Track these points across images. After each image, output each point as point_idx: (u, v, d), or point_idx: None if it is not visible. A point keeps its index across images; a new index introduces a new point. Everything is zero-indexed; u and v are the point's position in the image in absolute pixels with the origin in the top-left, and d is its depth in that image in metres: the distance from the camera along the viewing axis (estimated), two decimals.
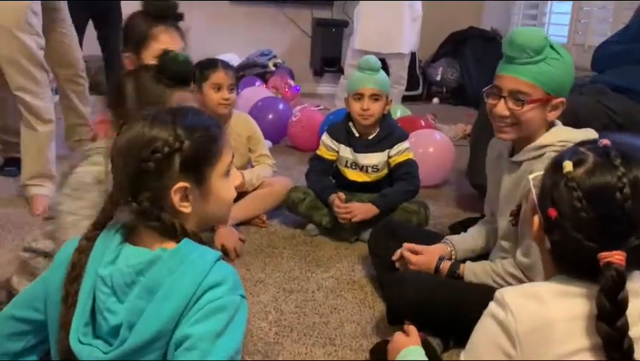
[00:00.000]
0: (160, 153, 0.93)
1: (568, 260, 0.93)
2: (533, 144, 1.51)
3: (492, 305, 0.95)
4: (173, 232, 0.95)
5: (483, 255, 1.77)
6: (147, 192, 0.94)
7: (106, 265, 0.93)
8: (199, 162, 0.97)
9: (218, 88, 2.36)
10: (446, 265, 1.68)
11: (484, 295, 1.51)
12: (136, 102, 1.36)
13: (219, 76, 2.36)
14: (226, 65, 2.44)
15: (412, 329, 1.35)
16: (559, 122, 1.55)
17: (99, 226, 0.99)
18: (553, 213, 0.91)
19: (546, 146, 1.48)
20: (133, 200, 0.94)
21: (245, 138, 2.53)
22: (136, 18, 1.84)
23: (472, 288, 1.60)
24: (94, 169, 1.40)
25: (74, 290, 0.94)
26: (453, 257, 1.76)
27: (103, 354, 0.90)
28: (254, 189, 2.46)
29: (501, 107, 1.50)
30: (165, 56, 1.35)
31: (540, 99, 1.47)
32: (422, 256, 1.71)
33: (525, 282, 1.51)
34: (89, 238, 0.98)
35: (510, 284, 1.53)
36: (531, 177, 1.04)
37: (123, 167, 0.95)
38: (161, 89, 1.35)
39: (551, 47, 1.46)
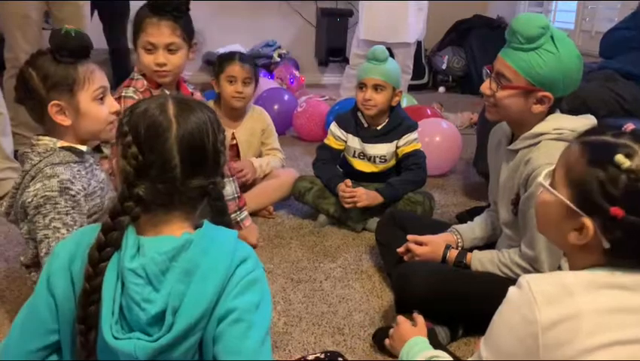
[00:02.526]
0: (221, 133, 0.99)
1: (630, 253, 0.89)
2: (529, 132, 1.50)
3: (514, 293, 0.91)
4: (224, 209, 1.01)
5: (490, 243, 1.76)
6: (222, 168, 0.99)
7: (131, 259, 0.92)
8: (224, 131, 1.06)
9: (233, 81, 2.39)
10: (452, 254, 1.67)
11: (492, 285, 1.53)
12: (45, 89, 1.37)
13: (234, 69, 2.40)
14: (244, 59, 2.46)
15: (419, 318, 1.35)
16: (557, 110, 1.53)
17: (114, 244, 0.94)
18: (618, 212, 0.86)
19: (541, 134, 1.47)
20: (212, 180, 0.97)
21: (260, 131, 2.55)
22: (140, 10, 1.89)
23: (480, 278, 1.60)
24: (53, 182, 1.35)
25: (98, 284, 0.92)
26: (460, 246, 1.75)
27: (150, 343, 0.90)
28: (263, 178, 2.47)
29: (485, 85, 1.54)
30: (56, 33, 1.38)
31: (518, 87, 1.46)
32: (427, 248, 1.71)
33: (532, 272, 1.50)
34: (117, 228, 0.94)
35: (516, 274, 1.52)
36: (541, 177, 0.99)
37: (201, 151, 0.95)
38: (64, 68, 1.37)
39: (552, 39, 1.42)
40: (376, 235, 2.02)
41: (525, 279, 0.90)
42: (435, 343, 1.45)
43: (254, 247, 2.16)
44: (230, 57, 2.44)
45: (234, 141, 2.49)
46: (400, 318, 1.35)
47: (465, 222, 1.87)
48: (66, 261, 0.97)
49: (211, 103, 2.48)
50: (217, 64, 2.46)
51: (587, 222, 0.89)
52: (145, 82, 1.91)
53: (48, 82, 1.37)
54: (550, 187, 0.95)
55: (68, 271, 0.96)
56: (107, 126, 1.47)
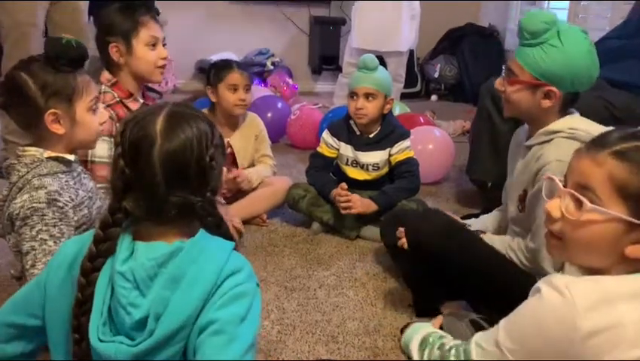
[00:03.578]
0: (214, 148, 0.97)
1: None
2: (543, 129, 1.53)
3: (550, 293, 0.87)
4: (218, 223, 0.99)
5: None
6: (211, 185, 0.97)
7: (122, 262, 0.93)
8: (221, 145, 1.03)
9: (234, 89, 2.40)
10: None
11: (499, 256, 1.59)
12: (43, 97, 1.37)
13: (235, 77, 2.40)
14: (240, 66, 2.49)
15: (437, 319, 1.36)
16: (576, 113, 1.56)
17: (110, 234, 0.96)
18: None
19: (556, 132, 1.51)
20: (199, 197, 0.95)
21: (253, 137, 2.55)
22: (114, 10, 1.88)
23: (490, 245, 1.63)
24: (41, 194, 1.33)
25: (90, 294, 0.94)
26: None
27: (131, 347, 0.91)
28: (254, 189, 2.46)
29: (498, 82, 1.59)
30: (56, 42, 1.38)
31: (523, 81, 1.50)
32: None
33: (533, 263, 1.53)
34: (108, 238, 0.95)
35: (519, 259, 1.57)
36: (588, 204, 0.91)
37: (185, 169, 0.94)
38: (64, 77, 1.38)
39: (558, 33, 1.46)
40: (382, 239, 2.02)
41: (564, 283, 0.87)
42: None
43: (239, 233, 2.19)
44: (227, 65, 2.45)
45: (229, 150, 2.49)
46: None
47: None
48: (67, 260, 0.98)
49: (204, 111, 2.48)
50: (212, 73, 2.44)
51: None
52: (115, 93, 1.87)
53: (47, 90, 1.36)
54: (602, 208, 0.90)
55: (69, 271, 0.97)
56: (97, 136, 1.51)
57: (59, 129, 1.40)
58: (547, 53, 1.46)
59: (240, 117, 2.52)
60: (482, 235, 1.69)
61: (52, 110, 1.37)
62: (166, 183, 0.93)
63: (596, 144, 0.94)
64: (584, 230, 0.91)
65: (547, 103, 1.51)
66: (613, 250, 0.90)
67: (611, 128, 1.28)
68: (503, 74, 1.57)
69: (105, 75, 1.90)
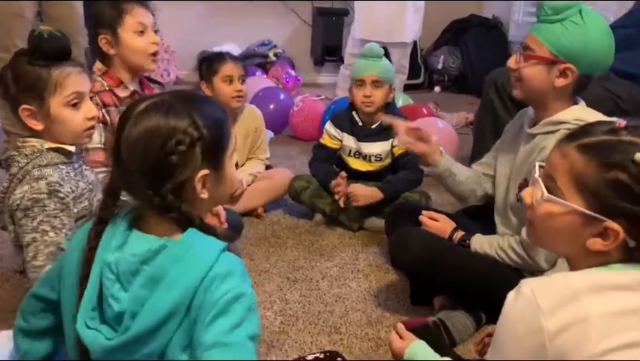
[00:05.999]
0: (183, 145, 0.90)
1: None
2: (549, 119, 1.51)
3: (516, 301, 0.86)
4: (191, 223, 0.94)
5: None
6: (170, 184, 0.91)
7: (113, 251, 0.93)
8: (217, 149, 0.97)
9: (230, 80, 2.34)
10: (458, 235, 1.70)
11: (485, 263, 1.59)
12: (17, 92, 1.34)
13: (229, 67, 2.35)
14: (233, 57, 2.43)
15: (403, 331, 1.33)
16: (582, 102, 1.54)
17: (103, 221, 0.96)
18: None
19: (562, 122, 1.48)
20: (155, 194, 0.90)
21: (253, 130, 2.52)
22: (102, 0, 1.83)
23: (474, 255, 1.63)
24: (42, 185, 1.32)
25: (86, 273, 0.94)
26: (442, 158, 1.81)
27: (107, 340, 0.90)
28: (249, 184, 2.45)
29: (512, 59, 1.54)
30: (31, 35, 1.34)
31: (541, 57, 1.46)
32: (438, 223, 1.74)
33: (525, 258, 1.53)
34: (101, 220, 0.96)
35: (510, 258, 1.56)
36: (545, 192, 0.93)
37: (140, 160, 0.90)
38: (37, 72, 1.33)
39: (580, 12, 1.43)
40: (387, 229, 2.02)
41: (529, 287, 0.86)
42: (436, 340, 1.46)
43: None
44: (220, 57, 2.39)
45: None
46: (392, 335, 1.33)
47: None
48: (79, 241, 0.98)
49: None
50: (205, 66, 2.39)
51: (614, 226, 0.86)
52: (105, 82, 1.82)
53: (20, 85, 1.34)
54: (558, 198, 0.91)
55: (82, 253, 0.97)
56: (83, 133, 1.42)
57: (36, 125, 1.36)
58: (567, 30, 1.42)
59: (238, 111, 2.47)
60: (471, 240, 1.66)
61: (24, 106, 1.34)
62: (130, 168, 0.91)
63: (570, 136, 0.94)
64: (545, 219, 0.94)
65: (561, 82, 1.46)
66: (574, 241, 0.92)
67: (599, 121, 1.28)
68: (517, 52, 1.52)
69: (97, 65, 1.87)
